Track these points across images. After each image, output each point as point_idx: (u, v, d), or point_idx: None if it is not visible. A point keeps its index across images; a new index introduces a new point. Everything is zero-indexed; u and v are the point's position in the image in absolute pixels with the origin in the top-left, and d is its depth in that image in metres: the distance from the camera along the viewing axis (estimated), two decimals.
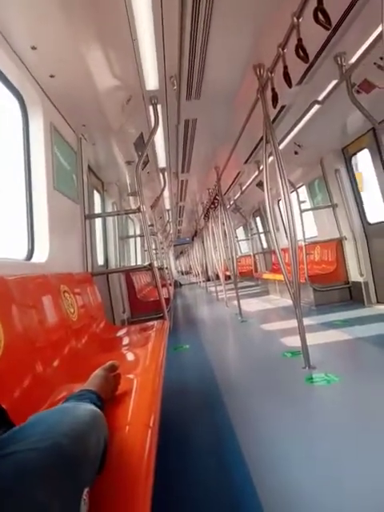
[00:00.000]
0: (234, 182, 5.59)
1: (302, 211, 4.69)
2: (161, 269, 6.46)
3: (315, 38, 2.02)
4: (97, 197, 4.06)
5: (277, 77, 2.15)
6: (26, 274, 1.58)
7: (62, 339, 1.62)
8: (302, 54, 1.79)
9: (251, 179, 5.20)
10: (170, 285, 6.74)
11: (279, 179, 2.24)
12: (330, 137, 3.91)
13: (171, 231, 10.64)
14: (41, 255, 2.03)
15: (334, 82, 2.57)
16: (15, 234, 2.11)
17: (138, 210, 2.82)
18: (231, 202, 6.95)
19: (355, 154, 4.10)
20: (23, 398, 1.04)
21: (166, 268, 7.73)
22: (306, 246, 4.73)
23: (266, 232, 7.99)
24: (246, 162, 4.58)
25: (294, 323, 2.38)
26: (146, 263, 2.84)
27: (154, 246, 5.51)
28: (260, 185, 5.29)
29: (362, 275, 4.18)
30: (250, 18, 1.89)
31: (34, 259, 2.00)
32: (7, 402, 0.92)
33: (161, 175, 4.47)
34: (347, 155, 4.20)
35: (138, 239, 6.69)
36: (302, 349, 2.26)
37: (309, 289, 4.48)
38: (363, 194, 4.29)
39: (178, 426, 1.72)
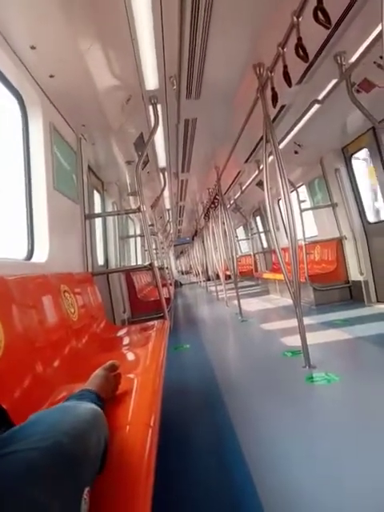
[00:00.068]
0: (234, 181, 5.58)
1: (302, 210, 4.69)
2: (161, 268, 6.45)
3: (315, 37, 2.02)
4: (97, 197, 4.06)
5: (277, 76, 2.15)
6: (26, 274, 1.57)
7: (63, 339, 1.62)
8: (301, 53, 1.79)
9: (251, 179, 5.20)
10: (171, 284, 6.74)
11: (279, 179, 2.24)
12: (330, 136, 3.90)
13: (171, 231, 10.65)
14: (41, 255, 2.03)
15: (333, 82, 2.57)
16: (15, 233, 2.11)
17: (138, 209, 2.82)
18: (231, 202, 6.95)
19: (355, 153, 4.10)
20: (23, 398, 1.04)
21: (167, 268, 7.72)
22: (306, 245, 4.72)
23: (266, 231, 7.99)
24: (246, 161, 4.58)
25: (294, 322, 2.38)
26: (147, 263, 2.84)
27: (154, 246, 5.52)
28: (260, 184, 5.29)
29: (362, 274, 4.18)
30: (249, 17, 1.89)
31: (34, 259, 2.00)
32: (7, 402, 0.92)
33: (161, 175, 4.47)
34: (347, 154, 4.20)
35: (138, 239, 6.69)
36: (303, 348, 2.26)
37: (309, 288, 4.48)
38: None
39: (179, 425, 1.72)
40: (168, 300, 3.90)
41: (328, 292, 4.51)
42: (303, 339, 2.26)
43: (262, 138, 2.76)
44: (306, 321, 2.44)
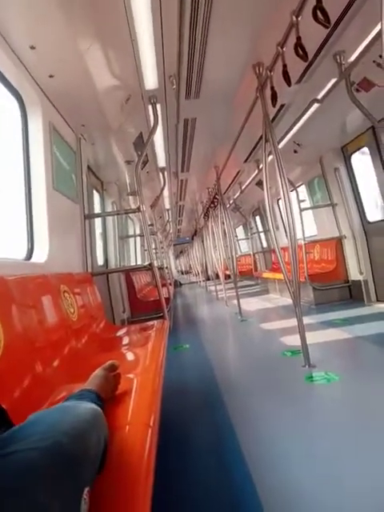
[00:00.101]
0: (233, 181, 5.58)
1: (301, 210, 4.69)
2: (161, 268, 6.46)
3: (314, 36, 2.02)
4: (96, 196, 4.06)
5: (276, 75, 2.14)
6: (26, 274, 1.58)
7: (62, 339, 1.62)
8: (301, 52, 1.79)
9: (251, 178, 5.20)
10: (170, 284, 6.74)
11: (279, 178, 2.24)
12: (330, 135, 3.90)
13: (171, 231, 10.64)
14: (40, 255, 2.03)
15: (333, 81, 2.57)
16: (15, 233, 2.11)
17: (138, 209, 2.82)
18: (231, 201, 6.95)
19: (354, 152, 4.10)
20: (23, 398, 1.04)
21: (166, 267, 7.73)
22: (305, 244, 4.72)
23: (266, 231, 7.99)
24: (245, 161, 4.58)
25: (293, 322, 2.38)
26: (146, 263, 2.84)
27: (153, 246, 5.51)
28: (259, 184, 5.29)
29: (361, 274, 4.19)
30: (249, 16, 1.88)
31: (34, 259, 2.00)
32: (7, 402, 0.92)
33: (160, 175, 4.47)
34: (347, 154, 4.20)
35: (138, 239, 6.69)
36: (302, 348, 2.26)
37: (308, 288, 4.48)
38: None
39: (178, 425, 1.72)
40: (167, 300, 3.90)
41: (327, 291, 4.51)
42: (303, 339, 2.26)
43: (261, 138, 2.76)
44: (306, 320, 2.44)
